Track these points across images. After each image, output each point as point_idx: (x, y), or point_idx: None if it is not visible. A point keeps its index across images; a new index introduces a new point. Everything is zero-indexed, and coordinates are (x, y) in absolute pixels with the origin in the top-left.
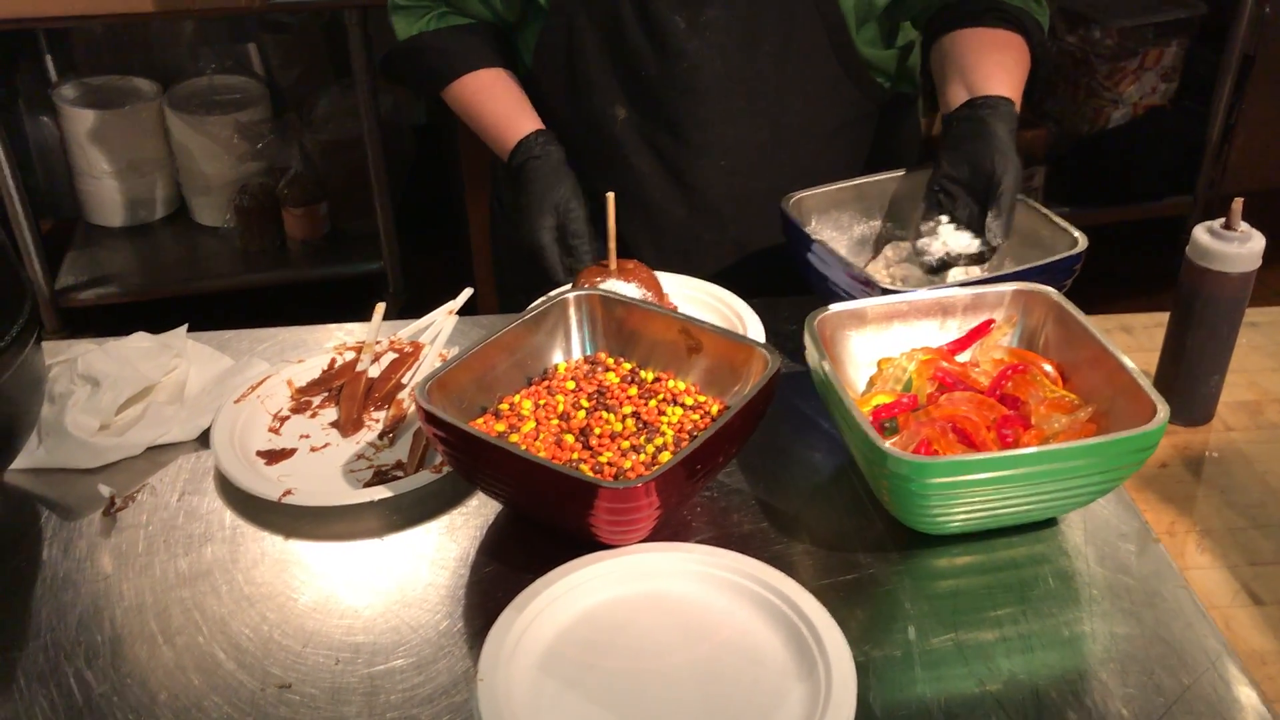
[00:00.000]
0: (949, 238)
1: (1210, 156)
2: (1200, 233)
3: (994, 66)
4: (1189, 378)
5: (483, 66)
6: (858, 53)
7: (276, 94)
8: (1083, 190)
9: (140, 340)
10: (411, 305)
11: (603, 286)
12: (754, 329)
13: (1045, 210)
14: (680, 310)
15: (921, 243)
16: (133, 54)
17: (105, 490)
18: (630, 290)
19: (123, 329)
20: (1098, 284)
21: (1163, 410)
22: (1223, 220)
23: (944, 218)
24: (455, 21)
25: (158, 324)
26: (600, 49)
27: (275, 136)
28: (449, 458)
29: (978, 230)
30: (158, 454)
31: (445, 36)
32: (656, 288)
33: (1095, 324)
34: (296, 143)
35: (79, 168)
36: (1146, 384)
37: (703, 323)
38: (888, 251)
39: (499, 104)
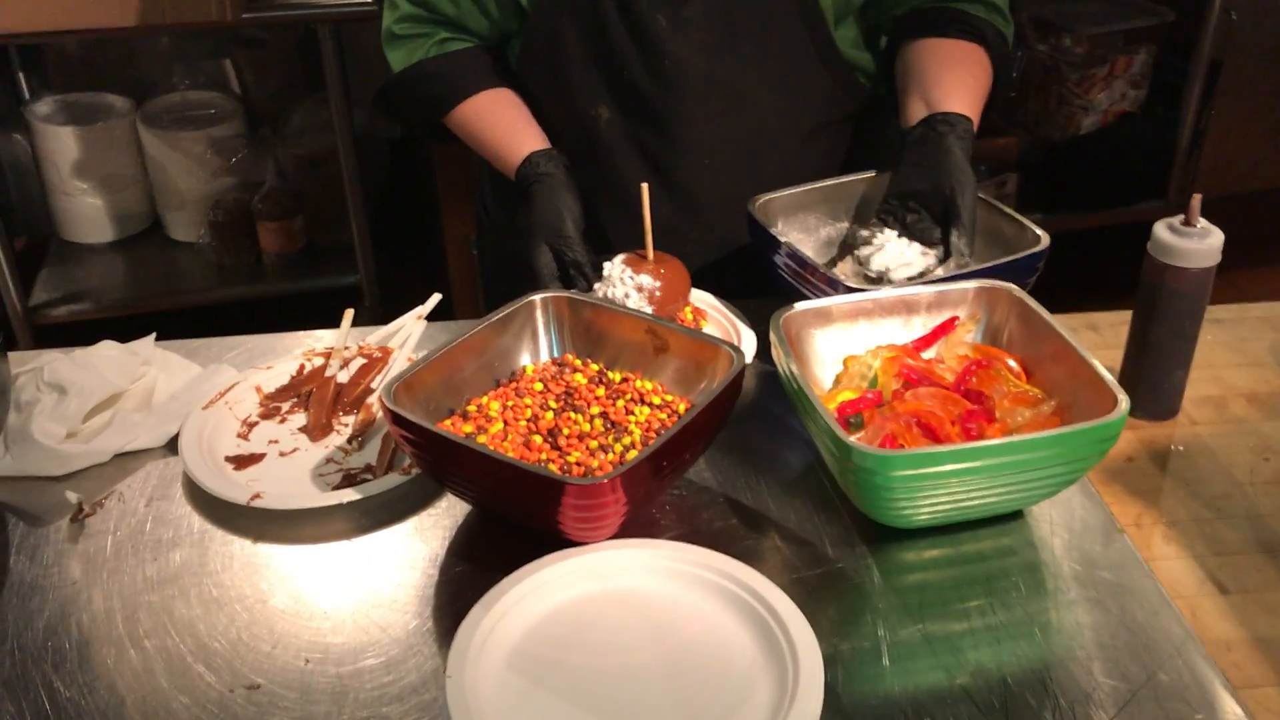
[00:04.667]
0: (895, 252)
1: (1181, 161)
2: (1160, 229)
3: (954, 83)
4: (1153, 372)
5: (486, 88)
6: (838, 51)
7: (250, 109)
8: (1055, 197)
9: (107, 348)
10: (387, 317)
11: (626, 276)
12: (747, 341)
13: (1008, 209)
14: (699, 319)
15: (864, 252)
16: (106, 70)
17: (73, 497)
18: (646, 281)
19: None
20: (1072, 289)
21: (1124, 401)
22: (1182, 217)
23: (889, 231)
24: (454, 48)
25: (132, 339)
26: (582, 50)
27: (249, 151)
28: (416, 459)
29: (929, 245)
30: (126, 461)
31: (446, 62)
32: (683, 286)
33: (1061, 322)
34: (271, 157)
35: (52, 184)
36: (1108, 376)
37: (669, 322)
38: (859, 253)
39: (502, 124)
